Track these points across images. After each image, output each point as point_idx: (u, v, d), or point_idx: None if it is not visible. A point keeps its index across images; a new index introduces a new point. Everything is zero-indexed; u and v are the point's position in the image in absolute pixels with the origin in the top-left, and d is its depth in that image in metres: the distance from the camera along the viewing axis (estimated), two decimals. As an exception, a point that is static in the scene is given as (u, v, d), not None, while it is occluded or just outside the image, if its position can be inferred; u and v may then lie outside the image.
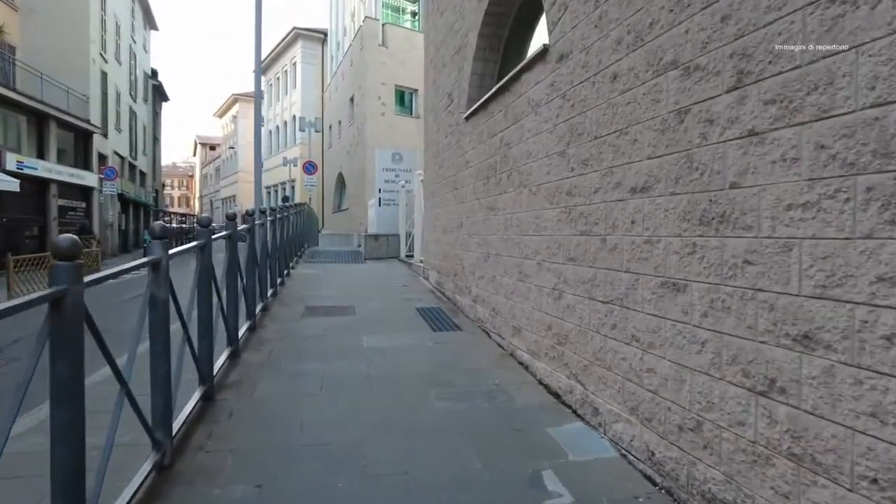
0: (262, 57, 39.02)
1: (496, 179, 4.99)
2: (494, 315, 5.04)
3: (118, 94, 23.67)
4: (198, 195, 71.74)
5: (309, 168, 19.38)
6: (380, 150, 13.77)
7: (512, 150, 4.57)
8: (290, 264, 9.61)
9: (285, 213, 8.91)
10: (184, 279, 3.35)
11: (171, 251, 2.77)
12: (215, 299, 3.77)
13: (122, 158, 24.83)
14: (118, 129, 23.80)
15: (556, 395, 3.67)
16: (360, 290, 7.69)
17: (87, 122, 18.60)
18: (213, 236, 3.76)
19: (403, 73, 20.85)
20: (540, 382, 3.93)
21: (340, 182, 25.68)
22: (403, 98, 21.55)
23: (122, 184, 24.12)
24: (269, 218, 6.84)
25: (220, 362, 4.03)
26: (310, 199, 22.11)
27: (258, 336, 5.13)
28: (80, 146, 18.92)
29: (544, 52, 3.89)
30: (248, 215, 5.32)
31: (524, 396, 3.68)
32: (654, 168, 2.62)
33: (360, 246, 15.13)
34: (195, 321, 3.44)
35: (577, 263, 3.37)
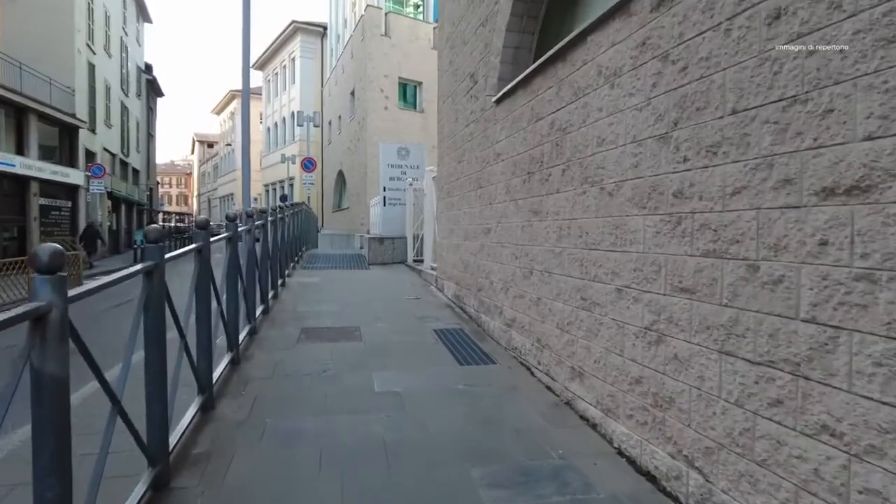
0: (260, 52, 37.99)
1: (543, 175, 3.92)
2: (540, 348, 3.98)
3: (108, 88, 22.55)
4: (196, 193, 70.77)
5: (307, 165, 18.31)
6: (384, 144, 12.69)
7: (570, 136, 3.50)
8: (286, 272, 8.55)
9: (280, 215, 7.85)
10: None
11: (75, 292, 1.71)
12: (169, 336, 2.72)
13: (112, 155, 23.72)
14: (108, 125, 22.69)
15: (651, 478, 2.61)
16: (365, 305, 6.63)
17: (73, 116, 17.50)
18: (171, 254, 2.70)
19: (407, 65, 19.78)
20: (621, 453, 2.87)
21: (341, 180, 24.61)
22: (407, 91, 20.48)
23: (113, 182, 23.03)
24: (258, 221, 5.78)
25: (184, 422, 2.98)
26: (308, 197, 21.06)
27: (241, 373, 4.07)
28: (65, 142, 17.82)
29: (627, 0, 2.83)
30: (230, 220, 4.25)
31: (605, 479, 2.62)
32: (883, 154, 1.55)
33: (362, 248, 14.08)
34: (140, 363, 2.41)
35: (697, 297, 2.31)
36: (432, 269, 8.79)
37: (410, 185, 10.99)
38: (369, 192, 18.00)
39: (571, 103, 3.48)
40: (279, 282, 7.42)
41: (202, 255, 3.30)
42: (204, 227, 3.33)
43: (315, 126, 22.81)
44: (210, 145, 62.83)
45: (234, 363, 4.23)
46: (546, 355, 3.88)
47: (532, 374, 4.12)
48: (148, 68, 32.60)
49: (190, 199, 76.77)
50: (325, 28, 29.72)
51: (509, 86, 4.56)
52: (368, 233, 15.64)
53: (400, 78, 19.80)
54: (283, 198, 26.08)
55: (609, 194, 3.02)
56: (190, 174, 77.69)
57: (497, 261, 4.98)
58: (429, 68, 19.75)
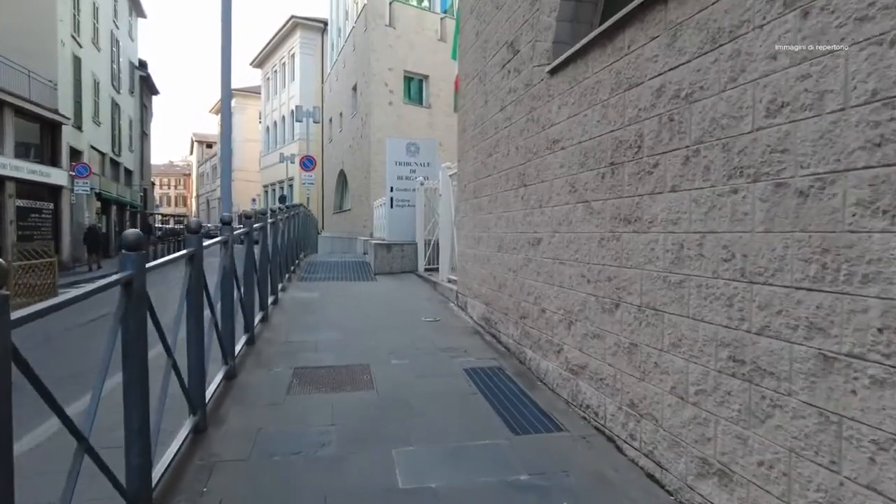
0: (259, 49, 37.04)
1: (642, 166, 2.71)
2: (636, 417, 2.76)
3: (96, 84, 21.33)
4: (195, 194, 69.69)
5: (306, 163, 17.14)
6: (392, 139, 11.46)
7: (700, 105, 2.29)
8: (280, 286, 7.34)
9: (272, 220, 6.64)
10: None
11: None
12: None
13: (102, 154, 22.49)
14: (97, 122, 21.47)
15: None
16: (375, 331, 5.41)
17: (55, 111, 16.28)
18: (43, 304, 1.50)
19: (413, 58, 18.56)
20: None
21: (342, 180, 23.41)
22: (412, 86, 19.24)
23: (102, 182, 21.82)
24: (238, 230, 4.57)
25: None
26: (308, 198, 19.88)
27: (207, 449, 2.86)
28: (46, 139, 16.60)
29: None
30: (192, 232, 3.04)
31: None
32: None
33: (365, 254, 12.88)
34: None
35: None
36: (450, 281, 7.58)
37: (421, 184, 9.78)
38: (373, 193, 16.81)
39: (702, 56, 2.27)
40: (270, 300, 6.21)
41: (132, 289, 2.09)
42: (134, 247, 2.12)
43: (315, 122, 21.59)
44: (209, 146, 61.78)
45: (198, 431, 3.02)
46: (647, 429, 2.66)
47: (621, 451, 2.90)
48: (142, 65, 31.39)
49: (189, 200, 75.63)
50: (325, 23, 28.60)
51: (576, 47, 3.35)
52: (372, 236, 14.44)
53: (405, 71, 18.57)
54: (282, 198, 24.90)
55: (800, 194, 1.80)
56: (189, 175, 76.55)
57: (553, 282, 3.76)
58: (436, 60, 18.58)
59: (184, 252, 2.95)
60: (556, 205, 3.71)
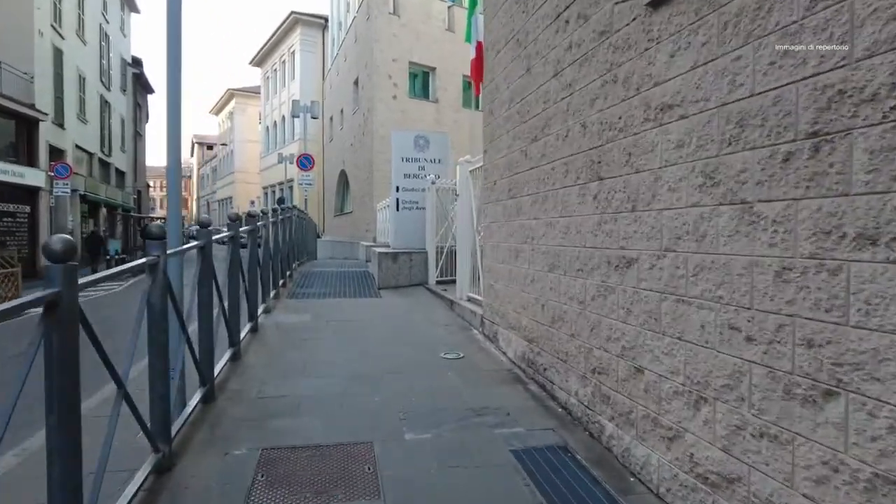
0: (259, 46, 35.90)
1: (908, 135, 1.37)
2: None
3: (82, 79, 20.07)
4: (195, 196, 68.61)
5: (304, 162, 15.83)
6: (397, 132, 10.13)
7: None
8: (263, 306, 6.01)
9: (251, 227, 5.31)
10: None
11: None
12: None
13: (89, 154, 21.24)
14: (83, 120, 20.22)
15: None
16: (379, 378, 4.06)
17: (31, 106, 15.02)
18: None
19: (419, 48, 17.25)
20: None
21: (343, 181, 22.11)
22: (417, 79, 17.92)
23: (89, 183, 20.57)
24: (188, 245, 3.23)
25: None
26: (305, 200, 18.56)
27: None
28: (21, 137, 15.33)
29: None
30: (51, 263, 1.72)
31: None
32: None
33: (368, 261, 11.55)
34: None
35: None
36: (471, 300, 6.24)
37: (433, 183, 8.45)
38: (376, 195, 15.50)
39: None
40: (246, 328, 4.89)
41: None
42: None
43: (313, 117, 20.24)
44: (209, 147, 60.72)
45: None
46: None
47: None
48: (136, 62, 30.14)
49: (189, 203, 74.55)
50: (326, 20, 27.36)
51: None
52: (375, 241, 13.14)
53: (410, 63, 17.24)
54: (281, 200, 23.61)
55: None
56: (190, 177, 75.46)
57: (663, 330, 2.42)
58: (443, 52, 17.29)
59: (41, 294, 1.62)
60: (666, 207, 2.37)
